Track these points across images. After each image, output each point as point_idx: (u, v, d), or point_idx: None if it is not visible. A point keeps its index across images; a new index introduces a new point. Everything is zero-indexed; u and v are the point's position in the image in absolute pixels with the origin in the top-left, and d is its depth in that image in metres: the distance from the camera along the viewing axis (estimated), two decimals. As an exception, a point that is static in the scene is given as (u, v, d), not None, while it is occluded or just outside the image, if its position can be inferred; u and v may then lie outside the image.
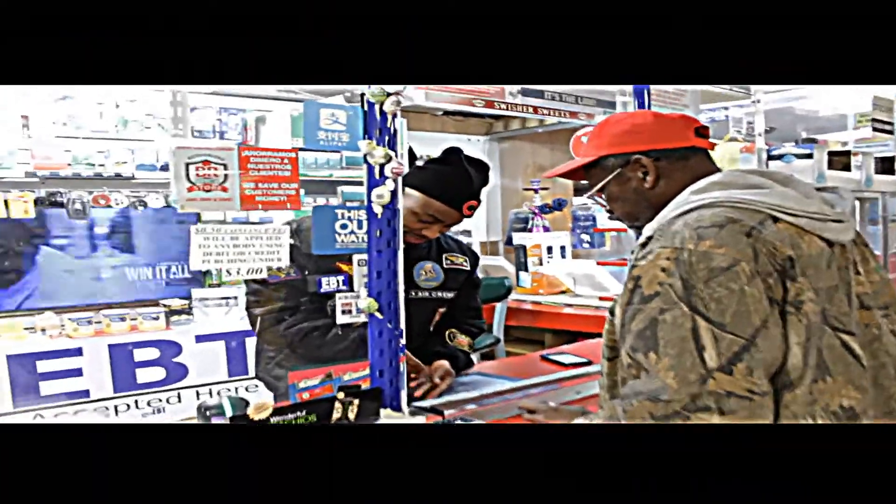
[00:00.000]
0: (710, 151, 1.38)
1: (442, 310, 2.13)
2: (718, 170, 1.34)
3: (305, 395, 1.32)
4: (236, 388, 3.60)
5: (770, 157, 2.43)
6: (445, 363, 2.01)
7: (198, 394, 3.57)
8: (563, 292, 4.12)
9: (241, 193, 1.21)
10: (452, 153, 1.95)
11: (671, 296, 1.09)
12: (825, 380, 1.10)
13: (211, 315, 3.63)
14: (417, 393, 1.85)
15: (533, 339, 4.00)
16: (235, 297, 3.66)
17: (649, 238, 1.21)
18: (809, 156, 2.32)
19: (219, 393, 3.59)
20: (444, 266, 2.11)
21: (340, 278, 1.34)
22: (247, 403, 1.27)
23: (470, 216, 1.95)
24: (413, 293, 2.03)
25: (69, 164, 3.50)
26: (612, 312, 1.27)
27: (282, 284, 1.85)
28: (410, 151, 4.66)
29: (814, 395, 1.10)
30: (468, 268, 2.18)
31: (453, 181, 1.89)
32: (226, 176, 1.19)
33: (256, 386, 2.12)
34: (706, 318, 1.06)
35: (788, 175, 1.30)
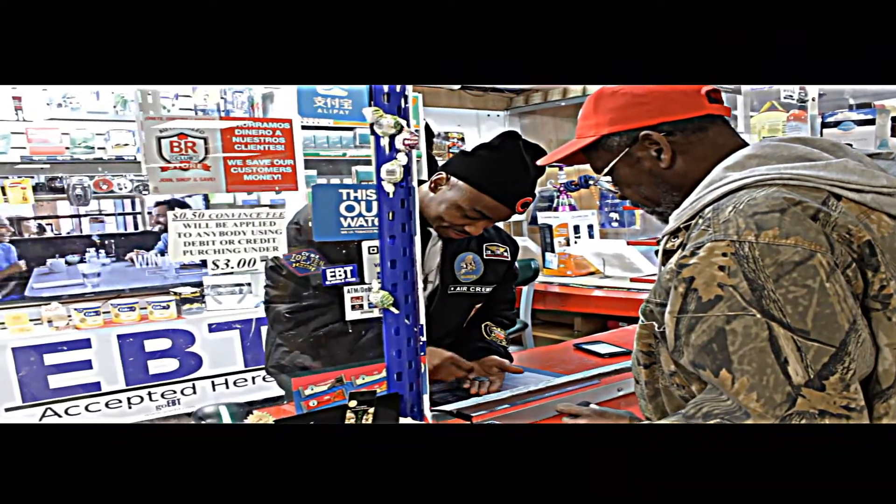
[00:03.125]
0: (727, 119, 1.19)
1: (479, 305, 1.97)
2: (744, 142, 1.15)
3: (313, 403, 1.15)
4: (253, 379, 3.48)
5: (824, 125, 2.20)
6: (497, 358, 1.85)
7: (213, 384, 3.45)
8: (591, 274, 3.95)
9: (227, 172, 1.03)
10: (509, 138, 1.72)
11: (738, 300, 0.90)
12: None
13: (224, 303, 3.49)
14: (481, 391, 1.70)
15: (562, 323, 3.86)
16: (249, 284, 3.53)
17: (684, 227, 1.04)
18: (871, 122, 2.08)
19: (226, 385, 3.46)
20: (485, 257, 1.94)
21: (349, 269, 1.16)
22: (247, 413, 1.11)
23: (522, 213, 1.75)
24: (452, 288, 1.87)
25: (67, 148, 3.35)
26: (645, 315, 1.09)
27: (312, 278, 1.65)
28: (427, 128, 4.49)
29: None
30: (508, 258, 2.01)
31: (508, 173, 1.67)
32: (206, 152, 1.01)
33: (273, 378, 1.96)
34: (784, 325, 0.88)
35: (836, 142, 1.09)
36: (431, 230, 1.80)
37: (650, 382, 1.12)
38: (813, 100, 2.16)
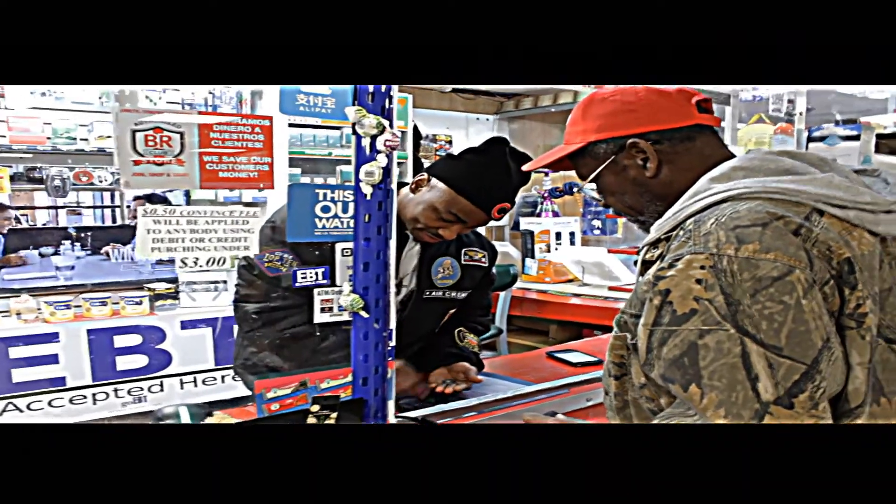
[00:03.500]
0: (716, 129, 1.19)
1: (453, 311, 1.96)
2: (731, 153, 1.15)
3: (275, 407, 1.14)
4: (223, 378, 3.45)
5: (810, 139, 2.22)
6: (466, 365, 1.86)
7: (182, 383, 3.41)
8: (570, 281, 3.96)
9: (202, 168, 1.02)
10: (495, 144, 1.73)
11: (712, 314, 0.90)
12: (879, 402, 0.93)
13: (198, 300, 3.46)
14: (447, 390, 1.72)
15: (537, 330, 3.87)
16: (225, 282, 3.50)
17: (664, 238, 1.04)
18: (856, 137, 2.11)
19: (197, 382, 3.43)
20: (463, 262, 1.93)
21: (320, 271, 1.15)
22: (207, 413, 1.09)
23: (499, 219, 1.74)
24: (427, 293, 1.87)
25: (49, 139, 3.32)
26: (619, 326, 1.09)
27: (284, 278, 1.62)
28: (415, 129, 4.46)
29: (869, 421, 0.91)
30: (486, 264, 2.00)
31: (488, 178, 1.67)
32: (182, 147, 1.00)
33: (234, 379, 1.94)
34: (758, 341, 0.87)
35: (823, 157, 1.09)
36: (411, 234, 1.80)
37: (619, 394, 1.11)
38: (800, 114, 2.18)
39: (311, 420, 1.10)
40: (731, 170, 1.05)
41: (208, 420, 1.05)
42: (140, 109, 0.99)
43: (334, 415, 1.11)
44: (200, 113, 1.02)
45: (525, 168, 1.45)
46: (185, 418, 1.17)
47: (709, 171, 1.08)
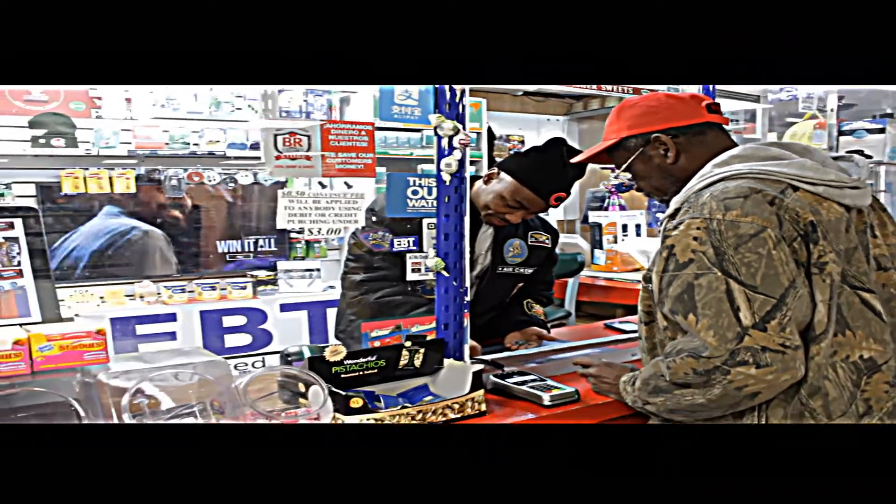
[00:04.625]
0: (724, 126, 1.46)
1: (521, 284, 2.24)
2: (735, 144, 1.42)
3: (377, 344, 1.47)
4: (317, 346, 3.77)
5: (841, 133, 2.45)
6: (538, 329, 2.16)
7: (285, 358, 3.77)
8: (636, 270, 4.15)
9: (323, 162, 1.37)
10: (554, 143, 2.02)
11: (704, 262, 1.19)
12: (844, 333, 1.20)
13: (295, 286, 3.85)
14: (514, 346, 2.02)
15: (605, 315, 4.04)
16: (318, 269, 3.86)
17: (677, 210, 1.31)
18: (882, 131, 2.32)
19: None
20: (530, 243, 2.21)
21: (411, 239, 1.48)
22: (322, 349, 1.43)
23: (556, 206, 2.02)
24: (500, 269, 2.15)
25: (166, 144, 3.77)
26: (646, 280, 1.37)
27: (385, 254, 1.94)
28: (489, 131, 4.74)
29: (834, 347, 1.19)
30: (550, 245, 2.28)
31: (545, 170, 1.96)
32: (309, 146, 1.35)
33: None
34: (739, 281, 1.16)
35: (806, 146, 1.38)
36: (484, 220, 2.09)
37: (649, 338, 1.41)
38: (831, 110, 2.40)
39: (405, 354, 1.40)
40: (730, 157, 1.34)
41: (326, 352, 1.35)
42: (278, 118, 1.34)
43: (422, 350, 1.43)
44: (323, 122, 1.37)
45: (573, 161, 1.73)
46: (306, 352, 1.50)
47: (714, 157, 1.36)
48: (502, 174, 2.00)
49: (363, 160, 1.43)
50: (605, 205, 4.60)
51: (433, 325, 1.50)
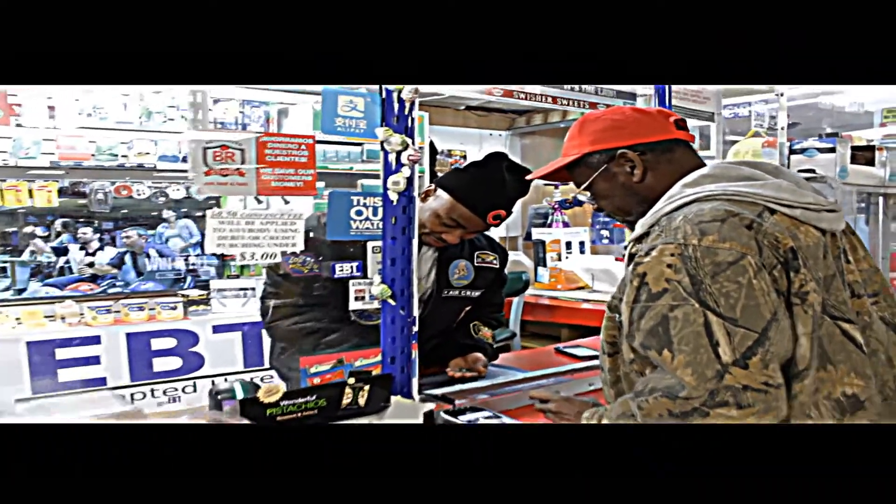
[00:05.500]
0: (691, 144, 1.39)
1: (468, 308, 2.15)
2: (703, 163, 1.34)
3: (316, 381, 1.34)
4: (251, 378, 3.62)
5: (792, 152, 2.43)
6: (481, 355, 2.05)
7: (213, 383, 3.59)
8: (580, 288, 4.11)
9: (258, 179, 1.23)
10: (494, 158, 1.93)
11: (680, 292, 1.09)
12: (826, 368, 1.12)
13: (228, 306, 3.67)
14: (457, 375, 1.90)
15: (549, 335, 3.99)
16: (253, 289, 3.70)
17: (646, 234, 1.23)
18: (832, 150, 2.31)
19: (226, 379, 3.62)
20: (476, 264, 2.12)
21: (354, 265, 1.35)
22: (257, 387, 1.29)
23: (496, 226, 1.93)
24: (445, 292, 2.05)
25: (93, 155, 3.56)
26: (611, 308, 1.28)
27: (303, 279, 1.85)
28: (431, 145, 4.67)
29: (816, 384, 1.11)
30: (497, 265, 2.19)
31: (484, 187, 1.86)
32: (243, 161, 1.21)
33: (271, 377, 2.14)
34: (717, 314, 1.07)
35: (777, 166, 1.31)
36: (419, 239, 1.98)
37: (613, 370, 1.31)
38: (782, 128, 2.38)
39: (348, 392, 1.28)
40: (700, 177, 1.25)
41: (259, 393, 1.22)
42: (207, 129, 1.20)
43: (367, 388, 1.30)
44: (261, 135, 1.23)
45: (528, 178, 1.63)
46: (238, 391, 1.36)
47: (683, 177, 1.28)
48: (439, 191, 1.90)
49: (303, 177, 1.30)
50: (549, 221, 4.58)
51: (378, 358, 1.37)
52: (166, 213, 4.24)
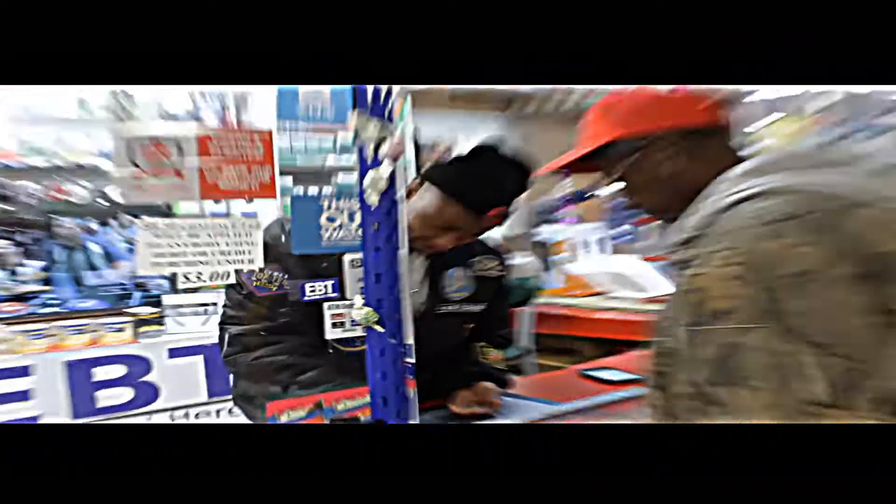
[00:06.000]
0: (742, 127, 1.31)
1: (470, 325, 2.07)
2: (744, 157, 1.25)
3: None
4: (217, 412, 3.54)
5: (840, 137, 2.32)
6: (492, 385, 1.96)
7: (172, 418, 3.50)
8: (598, 294, 4.05)
9: (202, 180, 1.11)
10: (487, 147, 1.83)
11: (753, 311, 0.98)
12: None
13: (186, 325, 3.61)
14: (465, 412, 1.83)
15: (567, 349, 3.94)
16: (215, 304, 3.62)
17: (697, 236, 1.12)
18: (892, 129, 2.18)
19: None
20: (475, 273, 2.04)
21: (328, 283, 1.24)
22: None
23: (497, 225, 1.84)
24: (441, 308, 1.97)
25: (21, 154, 3.46)
26: (658, 330, 1.17)
27: (271, 299, 1.76)
28: (415, 134, 4.61)
29: None
30: (502, 273, 2.11)
31: (480, 178, 1.77)
32: (181, 159, 1.10)
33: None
34: (806, 339, 0.95)
35: (860, 150, 1.18)
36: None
37: (665, 407, 1.18)
38: (829, 108, 2.26)
39: None
40: (762, 164, 1.14)
41: None
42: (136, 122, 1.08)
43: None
44: (202, 127, 1.12)
45: (541, 171, 1.53)
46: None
47: (726, 170, 1.17)
48: (426, 185, 1.80)
49: (258, 176, 1.18)
50: (558, 217, 4.48)
51: (367, 399, 1.25)
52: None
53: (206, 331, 3.55)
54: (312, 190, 1.17)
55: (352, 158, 1.25)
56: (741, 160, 1.18)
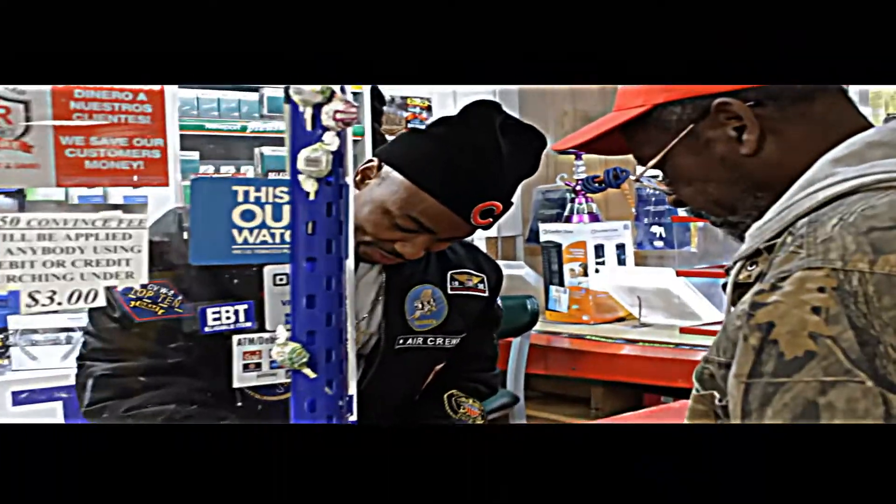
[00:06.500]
0: (844, 88, 1.30)
1: (440, 366, 2.10)
2: (867, 120, 1.26)
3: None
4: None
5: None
6: None
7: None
8: (620, 320, 4.10)
9: (58, 156, 1.09)
10: (478, 110, 1.83)
11: (838, 359, 0.98)
12: None
13: (40, 358, 3.60)
14: None
15: (572, 397, 3.96)
16: (82, 329, 3.60)
17: (768, 247, 1.14)
18: None
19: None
20: (450, 292, 2.05)
21: (241, 308, 1.22)
22: None
23: (485, 227, 1.85)
24: (401, 341, 1.99)
25: None
26: (701, 380, 1.20)
27: (156, 329, 1.76)
28: (374, 90, 4.62)
29: None
30: (485, 292, 2.12)
31: (463, 162, 1.77)
32: (28, 125, 1.08)
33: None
34: None
35: None
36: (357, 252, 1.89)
37: None
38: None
39: None
40: (866, 146, 1.15)
41: None
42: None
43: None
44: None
45: (555, 147, 1.53)
46: None
47: (833, 147, 1.17)
48: (386, 169, 1.82)
49: (144, 151, 1.16)
50: (567, 212, 4.50)
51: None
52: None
53: (68, 366, 3.53)
54: (226, 170, 1.17)
55: (284, 125, 1.23)
56: (843, 139, 1.19)
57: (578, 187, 4.36)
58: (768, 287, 1.06)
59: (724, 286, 1.23)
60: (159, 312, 1.68)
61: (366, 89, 4.39)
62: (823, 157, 1.18)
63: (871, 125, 1.25)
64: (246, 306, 1.25)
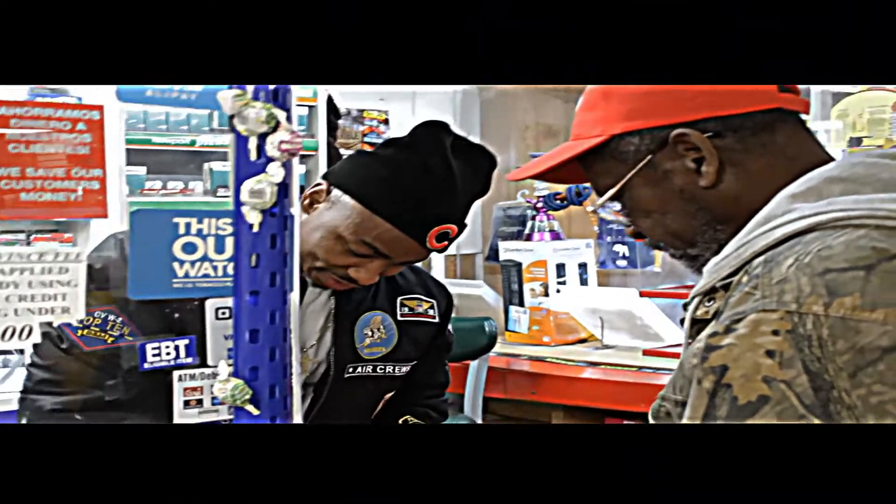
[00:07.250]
0: (803, 116, 1.32)
1: (389, 395, 2.11)
2: (827, 154, 1.28)
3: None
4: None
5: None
6: None
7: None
8: (582, 341, 4.12)
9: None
10: (429, 131, 1.85)
11: (792, 403, 0.99)
12: None
13: None
14: None
15: (531, 420, 3.96)
16: (22, 351, 3.57)
17: (725, 286, 1.15)
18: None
19: None
20: (399, 318, 2.07)
21: (182, 344, 1.22)
22: None
23: (441, 250, 1.87)
24: (350, 369, 2.00)
25: None
26: (657, 418, 1.21)
27: (106, 358, 1.74)
28: (330, 103, 4.64)
29: None
30: (436, 318, 2.14)
31: (417, 184, 1.78)
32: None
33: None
34: None
35: None
36: (308, 278, 1.91)
37: None
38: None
39: None
40: (825, 182, 1.16)
41: None
42: None
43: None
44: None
45: (511, 176, 1.55)
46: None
47: (793, 180, 1.19)
48: (336, 192, 1.83)
49: (83, 182, 1.16)
50: (527, 230, 4.52)
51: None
52: None
53: (7, 391, 3.50)
54: (173, 185, 1.17)
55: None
56: (804, 172, 1.20)
57: (540, 204, 4.38)
58: (722, 329, 1.06)
59: (682, 321, 1.24)
60: (108, 340, 1.67)
61: (321, 101, 4.38)
62: (781, 192, 1.18)
63: (831, 158, 1.26)
64: (187, 341, 1.25)
